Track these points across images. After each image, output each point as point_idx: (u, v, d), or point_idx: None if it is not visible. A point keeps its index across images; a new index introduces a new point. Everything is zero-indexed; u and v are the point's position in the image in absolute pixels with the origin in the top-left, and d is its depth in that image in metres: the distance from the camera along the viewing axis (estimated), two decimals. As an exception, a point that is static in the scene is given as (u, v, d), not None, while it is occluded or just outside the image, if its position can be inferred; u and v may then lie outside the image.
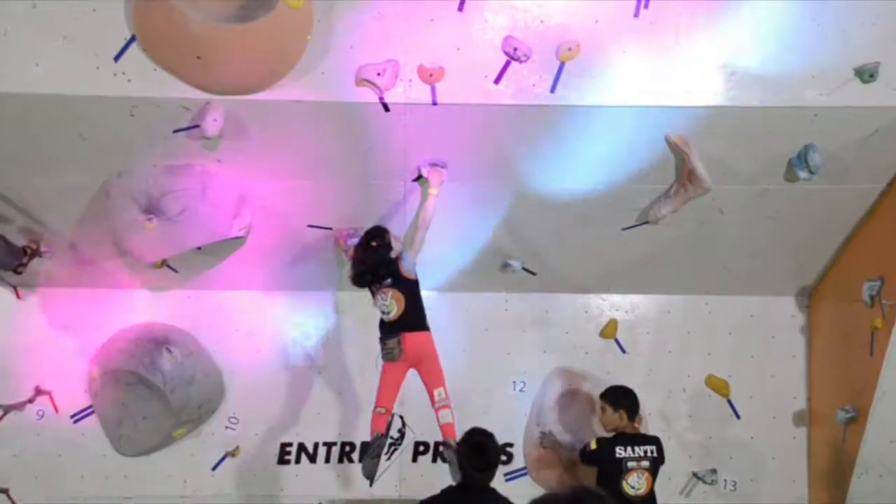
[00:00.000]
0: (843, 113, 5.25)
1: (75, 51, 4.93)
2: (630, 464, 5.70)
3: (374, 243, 5.57)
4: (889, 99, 5.19)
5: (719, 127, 5.38)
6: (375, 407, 5.64)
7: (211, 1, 4.90)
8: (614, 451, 5.71)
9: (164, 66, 4.98)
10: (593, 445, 5.79)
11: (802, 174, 5.55)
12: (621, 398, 5.91)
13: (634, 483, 5.70)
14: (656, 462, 5.81)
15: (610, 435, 5.87)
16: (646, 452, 5.77)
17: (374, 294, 5.64)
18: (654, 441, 5.87)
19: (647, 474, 5.74)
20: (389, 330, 5.60)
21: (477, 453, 4.52)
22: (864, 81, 5.15)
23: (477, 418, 6.67)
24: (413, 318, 5.59)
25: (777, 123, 5.35)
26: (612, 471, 5.69)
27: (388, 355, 5.60)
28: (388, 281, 5.55)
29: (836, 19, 5.11)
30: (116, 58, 4.96)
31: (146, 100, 5.08)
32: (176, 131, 5.29)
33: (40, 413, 6.57)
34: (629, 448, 5.72)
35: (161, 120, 5.22)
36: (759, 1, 5.08)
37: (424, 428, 6.70)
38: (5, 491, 6.42)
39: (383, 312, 5.58)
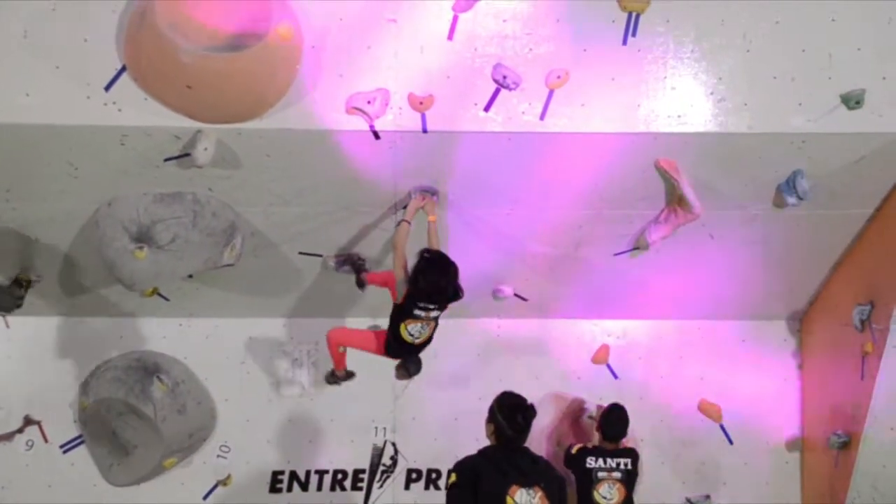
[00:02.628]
0: (830, 139, 5.29)
1: (66, 80, 4.93)
2: (600, 474, 5.80)
3: (452, 268, 5.38)
4: (875, 125, 5.22)
5: (708, 153, 5.41)
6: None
7: (201, 31, 4.91)
8: (585, 461, 5.85)
9: (155, 96, 4.99)
10: (574, 451, 5.91)
11: (791, 200, 5.58)
12: (606, 419, 6.09)
13: (606, 493, 5.83)
14: (630, 475, 5.87)
15: (590, 446, 6.00)
16: (618, 464, 5.88)
17: (409, 318, 5.44)
18: (630, 454, 5.94)
19: (619, 485, 5.87)
20: (408, 351, 5.71)
21: (516, 412, 4.57)
22: (850, 108, 5.20)
23: (469, 445, 6.62)
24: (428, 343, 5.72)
25: (765, 149, 5.38)
26: (583, 480, 5.84)
27: (400, 376, 6.00)
28: (437, 313, 5.48)
29: (822, 46, 5.16)
30: (107, 87, 4.97)
31: (137, 129, 5.08)
32: (167, 160, 5.30)
33: (30, 443, 6.54)
34: (601, 459, 5.82)
35: (152, 149, 5.22)
36: (746, 28, 5.14)
37: (417, 455, 6.72)
38: None
39: (410, 335, 5.50)
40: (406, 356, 5.87)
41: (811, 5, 5.09)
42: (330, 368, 6.39)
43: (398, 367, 6.14)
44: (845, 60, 5.16)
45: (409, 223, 5.52)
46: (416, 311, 5.41)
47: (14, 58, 4.91)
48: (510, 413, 4.57)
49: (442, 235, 5.68)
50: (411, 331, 5.47)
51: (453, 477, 4.56)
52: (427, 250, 5.41)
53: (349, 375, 6.39)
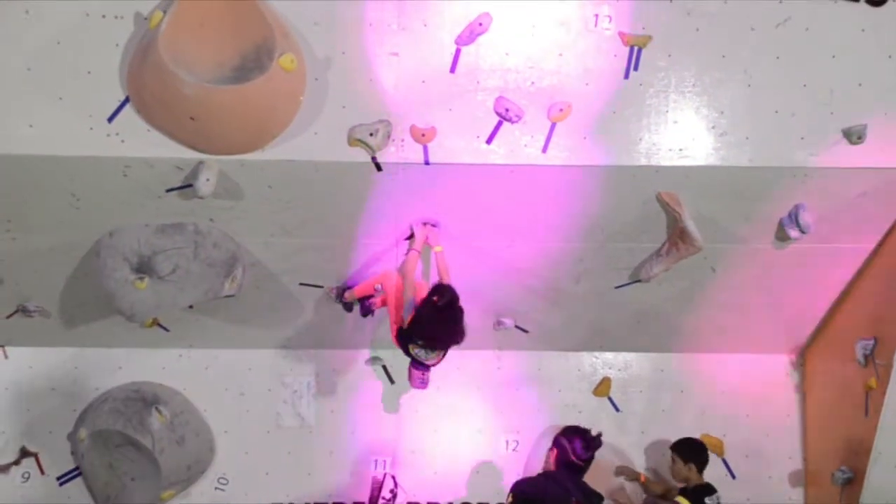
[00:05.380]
0: (832, 174, 5.30)
1: (69, 112, 4.96)
2: None
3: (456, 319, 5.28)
4: (877, 160, 5.24)
5: (710, 186, 5.42)
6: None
7: (205, 62, 4.94)
8: (704, 501, 5.86)
9: (158, 127, 5.01)
10: (677, 498, 5.91)
11: (793, 233, 5.59)
12: (693, 453, 6.09)
13: None
14: None
15: (690, 487, 6.00)
16: (718, 501, 5.94)
17: (415, 344, 5.35)
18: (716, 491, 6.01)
19: None
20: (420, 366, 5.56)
21: (586, 442, 5.14)
22: (851, 143, 5.22)
23: (469, 477, 6.67)
24: None
25: (767, 183, 5.40)
26: None
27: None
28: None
29: (823, 81, 5.19)
30: (110, 119, 5.00)
31: (139, 160, 5.10)
32: (168, 191, 5.31)
33: (26, 475, 6.47)
34: (713, 496, 5.89)
35: (154, 180, 5.23)
36: (747, 63, 5.16)
37: (417, 488, 6.66)
38: None
39: (418, 356, 5.37)
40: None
41: (812, 41, 5.12)
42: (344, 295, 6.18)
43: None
44: (847, 96, 5.19)
45: (418, 252, 5.54)
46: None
47: (17, 89, 4.94)
48: (580, 442, 5.07)
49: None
50: (418, 353, 5.37)
51: (510, 498, 4.94)
52: (439, 292, 5.21)
53: (349, 307, 6.18)
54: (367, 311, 6.08)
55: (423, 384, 5.87)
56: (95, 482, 6.39)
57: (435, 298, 5.16)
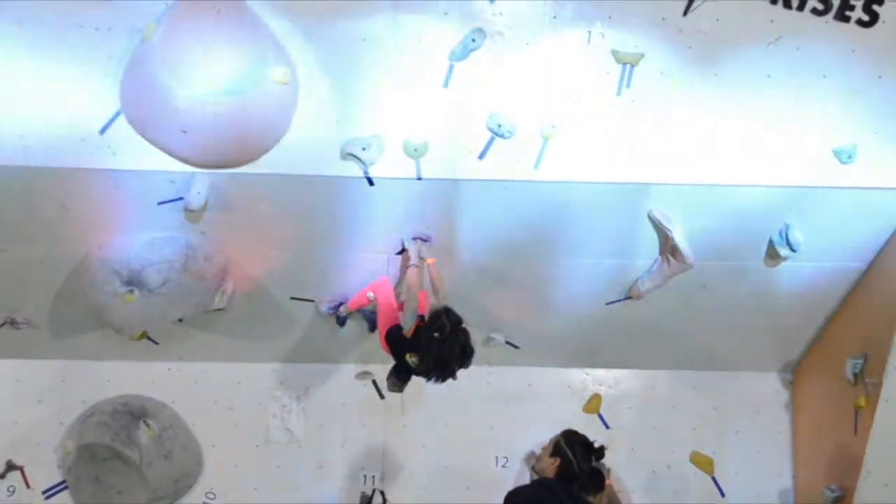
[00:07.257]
0: (822, 193, 5.33)
1: (61, 123, 4.95)
2: None
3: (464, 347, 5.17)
4: (868, 180, 5.27)
5: (702, 204, 5.44)
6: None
7: (197, 75, 4.93)
8: None
9: (150, 140, 5.00)
10: None
11: (784, 252, 5.61)
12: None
13: None
14: None
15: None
16: None
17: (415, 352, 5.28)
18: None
19: None
20: (407, 372, 5.44)
21: (588, 451, 4.77)
22: (842, 162, 5.24)
23: (459, 495, 6.64)
24: None
25: (758, 202, 5.42)
26: None
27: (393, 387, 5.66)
28: None
29: (814, 100, 5.21)
30: (102, 131, 4.99)
31: (131, 172, 5.09)
32: (160, 203, 5.30)
33: (11, 489, 6.40)
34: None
35: (145, 192, 5.22)
36: (739, 82, 5.18)
37: (405, 501, 6.63)
38: None
39: (414, 364, 5.26)
40: (400, 371, 5.55)
41: (803, 60, 5.14)
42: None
43: (391, 379, 5.72)
44: (837, 115, 5.22)
45: (417, 266, 5.48)
46: None
47: (9, 100, 4.92)
48: (581, 451, 4.74)
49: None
50: (415, 361, 5.28)
51: None
52: (437, 326, 5.06)
53: (342, 322, 6.18)
54: (374, 326, 6.04)
55: (401, 388, 5.73)
56: (82, 496, 6.34)
57: (436, 335, 5.02)
